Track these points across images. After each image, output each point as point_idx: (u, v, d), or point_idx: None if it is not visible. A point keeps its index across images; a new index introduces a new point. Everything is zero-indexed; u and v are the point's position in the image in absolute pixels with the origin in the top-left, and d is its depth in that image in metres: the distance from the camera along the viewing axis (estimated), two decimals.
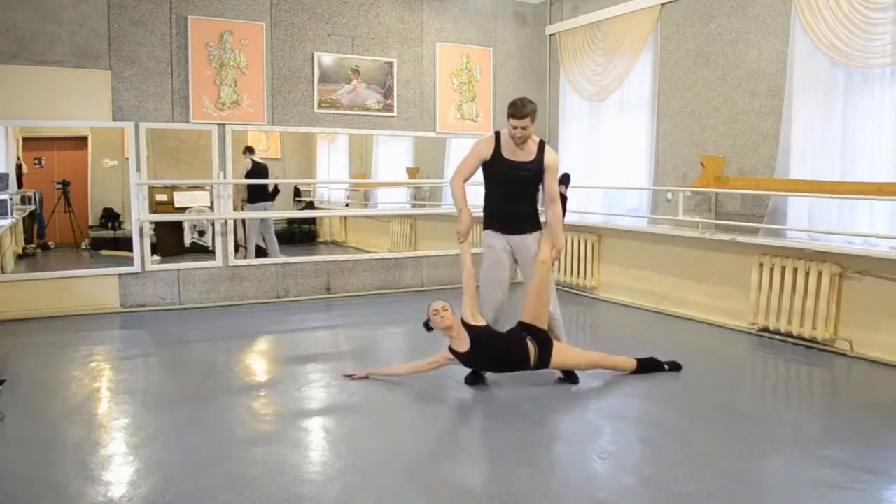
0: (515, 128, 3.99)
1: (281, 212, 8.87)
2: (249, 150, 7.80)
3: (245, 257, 7.43)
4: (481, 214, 4.32)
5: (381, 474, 2.97)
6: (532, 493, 2.78)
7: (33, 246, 7.77)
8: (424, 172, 8.19)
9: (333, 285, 7.02)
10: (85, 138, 8.05)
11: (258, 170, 7.71)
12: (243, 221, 7.65)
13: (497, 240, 4.21)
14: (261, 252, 7.61)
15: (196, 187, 7.52)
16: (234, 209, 7.78)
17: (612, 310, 6.55)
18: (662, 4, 6.29)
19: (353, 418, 3.67)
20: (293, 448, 3.25)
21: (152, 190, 6.85)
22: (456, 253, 7.55)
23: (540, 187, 4.23)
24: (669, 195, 6.22)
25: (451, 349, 3.99)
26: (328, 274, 7.01)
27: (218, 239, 6.55)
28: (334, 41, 6.84)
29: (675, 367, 4.40)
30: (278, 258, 7.11)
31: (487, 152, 4.10)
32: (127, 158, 6.21)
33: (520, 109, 3.95)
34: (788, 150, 5.22)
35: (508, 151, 4.10)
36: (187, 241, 7.75)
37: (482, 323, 4.06)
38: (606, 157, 7.05)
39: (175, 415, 3.65)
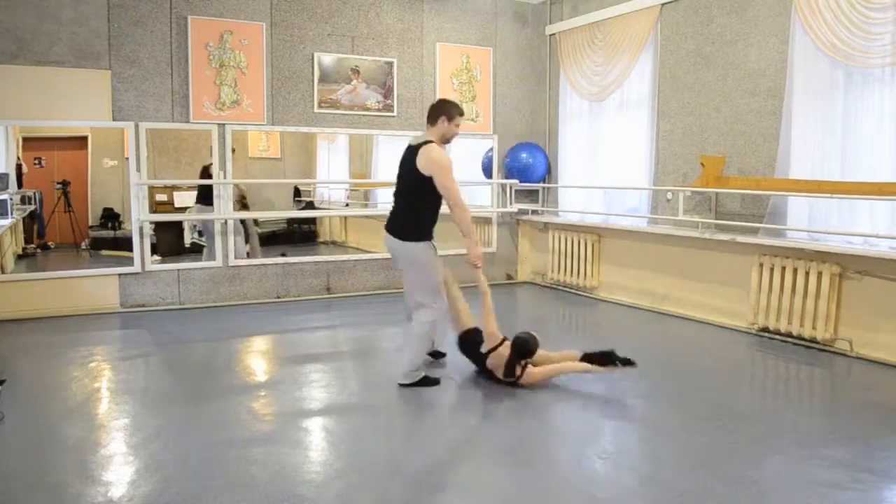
0: (458, 126, 4.09)
1: (281, 212, 8.88)
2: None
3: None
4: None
5: (381, 474, 2.97)
6: (532, 493, 2.78)
7: (33, 246, 7.77)
8: None
9: (333, 285, 7.02)
10: (85, 138, 8.05)
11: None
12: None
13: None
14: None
15: (196, 187, 7.51)
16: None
17: (612, 310, 6.55)
18: (662, 4, 6.29)
19: (353, 418, 3.67)
20: (293, 448, 3.25)
21: (152, 190, 6.86)
22: (454, 253, 7.57)
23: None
24: (669, 195, 6.22)
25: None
26: (328, 274, 7.01)
27: (217, 239, 6.54)
28: (334, 41, 6.84)
29: (627, 363, 4.02)
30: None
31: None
32: (127, 158, 6.21)
33: (461, 108, 4.11)
34: (788, 150, 5.23)
35: None
36: (187, 241, 7.75)
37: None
38: (606, 157, 7.05)
39: (175, 415, 3.66)
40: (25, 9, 5.66)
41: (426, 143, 3.98)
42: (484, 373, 4.20)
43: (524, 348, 4.03)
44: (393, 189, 4.14)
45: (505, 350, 4.04)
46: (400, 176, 4.09)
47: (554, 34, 7.68)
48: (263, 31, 6.49)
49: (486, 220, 7.79)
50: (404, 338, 4.46)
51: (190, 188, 7.57)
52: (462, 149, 7.94)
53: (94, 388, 4.10)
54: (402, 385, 4.09)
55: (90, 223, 8.06)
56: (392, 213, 4.13)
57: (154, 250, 6.44)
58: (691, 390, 4.11)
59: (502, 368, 4.03)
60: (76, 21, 5.83)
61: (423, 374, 4.14)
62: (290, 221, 9.09)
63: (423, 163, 3.89)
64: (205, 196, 6.84)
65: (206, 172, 6.85)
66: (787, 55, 5.23)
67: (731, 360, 4.89)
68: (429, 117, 4.13)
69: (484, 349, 4.11)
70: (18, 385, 4.06)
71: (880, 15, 4.58)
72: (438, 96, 7.30)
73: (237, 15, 6.38)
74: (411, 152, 3.99)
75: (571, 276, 7.26)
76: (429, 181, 3.89)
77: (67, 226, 7.91)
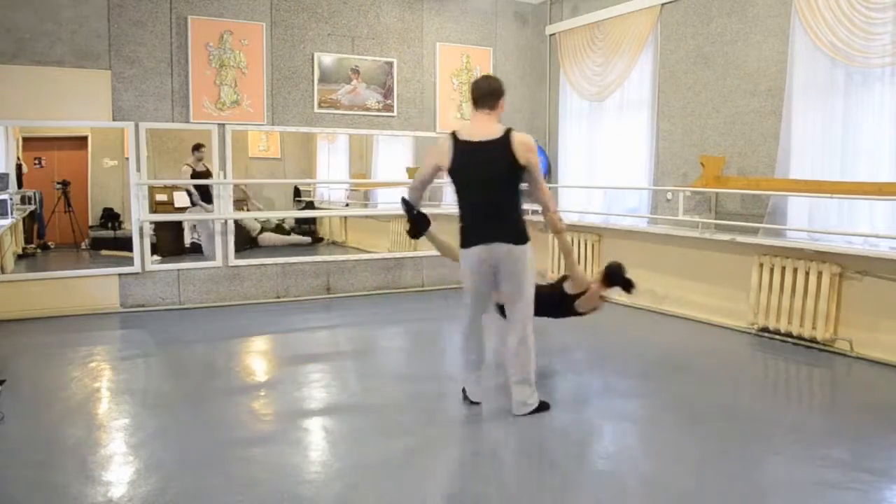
0: None
1: (281, 212, 8.89)
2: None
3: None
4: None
5: (381, 474, 2.96)
6: (533, 494, 2.78)
7: (33, 246, 7.77)
8: None
9: (333, 285, 7.02)
10: (85, 138, 8.06)
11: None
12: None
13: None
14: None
15: (196, 187, 7.51)
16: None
17: (612, 310, 6.53)
18: (662, 4, 6.29)
19: (353, 418, 3.67)
20: (293, 448, 3.25)
21: (152, 190, 6.85)
22: None
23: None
24: (669, 195, 6.22)
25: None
26: (328, 274, 7.01)
27: (217, 239, 6.54)
28: (334, 41, 6.83)
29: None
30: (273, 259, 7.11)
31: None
32: (127, 158, 6.21)
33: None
34: (788, 150, 5.23)
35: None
36: (187, 241, 7.75)
37: None
38: (606, 157, 7.05)
39: (175, 415, 3.65)
40: (25, 9, 5.66)
41: (509, 130, 3.42)
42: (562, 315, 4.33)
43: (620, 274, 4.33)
44: (458, 190, 3.55)
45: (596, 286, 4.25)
46: (482, 172, 3.44)
47: (554, 34, 7.67)
48: (263, 31, 6.49)
49: None
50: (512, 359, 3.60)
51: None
52: None
53: (94, 388, 4.10)
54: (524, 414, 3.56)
55: (90, 223, 8.07)
56: (485, 216, 3.47)
57: (154, 250, 6.44)
58: (691, 390, 4.11)
59: (592, 302, 4.26)
60: (76, 21, 5.82)
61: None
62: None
63: (521, 151, 3.37)
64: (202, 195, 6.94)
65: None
66: (786, 55, 5.23)
67: (731, 360, 4.89)
68: (491, 98, 3.50)
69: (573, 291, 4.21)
70: (18, 385, 4.06)
71: (880, 15, 4.58)
72: (438, 96, 7.31)
73: (237, 15, 6.38)
74: (488, 145, 3.41)
75: None
76: (521, 172, 3.40)
77: (67, 226, 7.91)
